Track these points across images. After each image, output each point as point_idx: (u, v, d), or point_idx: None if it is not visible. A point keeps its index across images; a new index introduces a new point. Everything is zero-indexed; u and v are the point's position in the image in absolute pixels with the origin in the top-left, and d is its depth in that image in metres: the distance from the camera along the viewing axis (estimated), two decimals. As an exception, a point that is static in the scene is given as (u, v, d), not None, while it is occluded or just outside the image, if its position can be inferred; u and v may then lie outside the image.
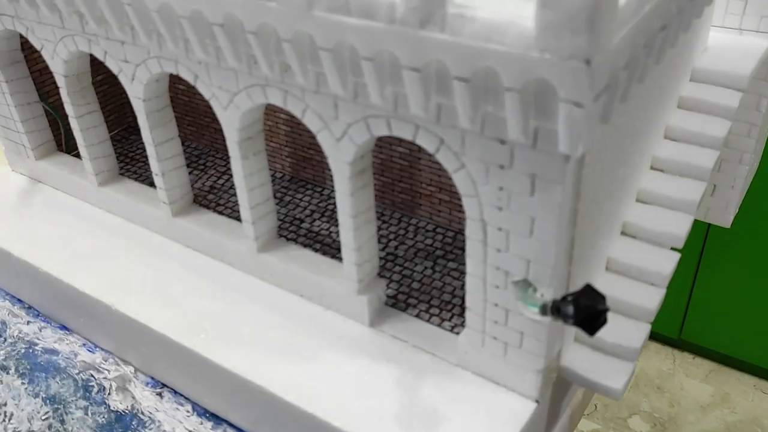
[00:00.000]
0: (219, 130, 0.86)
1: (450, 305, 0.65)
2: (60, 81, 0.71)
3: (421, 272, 0.69)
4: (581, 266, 0.53)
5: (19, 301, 0.79)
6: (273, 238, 0.68)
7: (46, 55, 0.70)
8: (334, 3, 0.43)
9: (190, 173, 0.83)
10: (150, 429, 0.65)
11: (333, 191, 0.56)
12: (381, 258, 0.71)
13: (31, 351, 0.73)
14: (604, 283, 0.60)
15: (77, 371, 0.70)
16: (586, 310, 0.29)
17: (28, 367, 0.71)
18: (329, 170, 0.56)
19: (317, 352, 0.60)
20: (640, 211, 0.64)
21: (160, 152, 0.69)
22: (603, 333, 0.47)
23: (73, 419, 0.66)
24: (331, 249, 0.72)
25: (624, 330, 0.56)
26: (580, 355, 0.56)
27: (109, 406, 0.67)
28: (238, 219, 0.68)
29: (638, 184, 0.65)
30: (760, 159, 0.91)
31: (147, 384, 0.68)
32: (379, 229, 0.75)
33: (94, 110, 0.75)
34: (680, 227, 0.62)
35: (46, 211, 0.80)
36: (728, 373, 1.77)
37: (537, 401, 0.55)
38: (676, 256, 0.61)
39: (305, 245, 0.72)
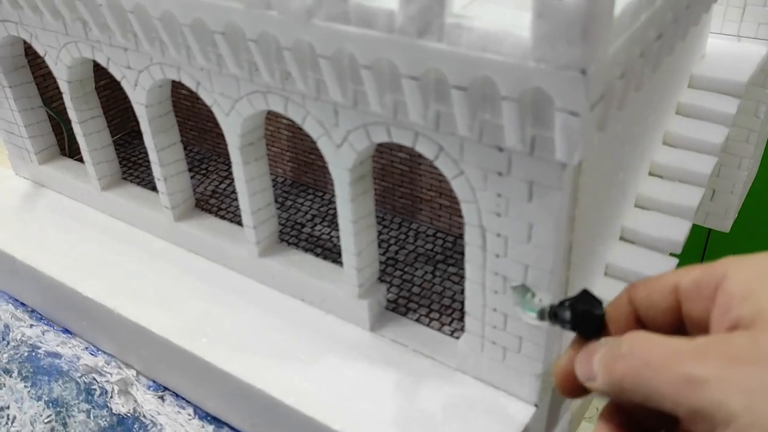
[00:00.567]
0: (220, 135, 0.86)
1: (450, 310, 0.65)
2: (63, 87, 0.72)
3: (422, 277, 0.70)
4: (580, 271, 0.54)
5: (22, 304, 0.79)
6: (274, 242, 0.68)
7: (49, 61, 0.71)
8: (334, 12, 0.44)
9: (191, 178, 0.84)
10: (152, 432, 0.65)
11: (334, 196, 0.56)
12: (381, 262, 0.71)
13: (33, 354, 0.73)
14: (602, 288, 0.60)
15: (80, 374, 0.71)
16: (582, 315, 0.29)
17: (31, 370, 0.72)
18: (330, 175, 0.57)
19: (317, 355, 0.61)
20: (639, 217, 0.64)
21: (162, 157, 0.69)
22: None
23: (75, 422, 0.67)
24: (332, 253, 0.73)
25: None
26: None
27: (111, 410, 0.67)
28: (240, 223, 0.68)
29: (637, 189, 0.65)
30: (759, 164, 0.92)
31: (149, 387, 0.69)
32: (380, 233, 0.75)
33: (97, 115, 0.75)
34: (679, 233, 0.62)
35: (49, 215, 0.80)
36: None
37: (536, 405, 0.55)
38: (674, 261, 0.62)
39: (306, 250, 0.72)
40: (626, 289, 0.27)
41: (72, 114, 0.74)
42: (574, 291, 0.53)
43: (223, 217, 0.77)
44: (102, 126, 0.76)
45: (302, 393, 0.58)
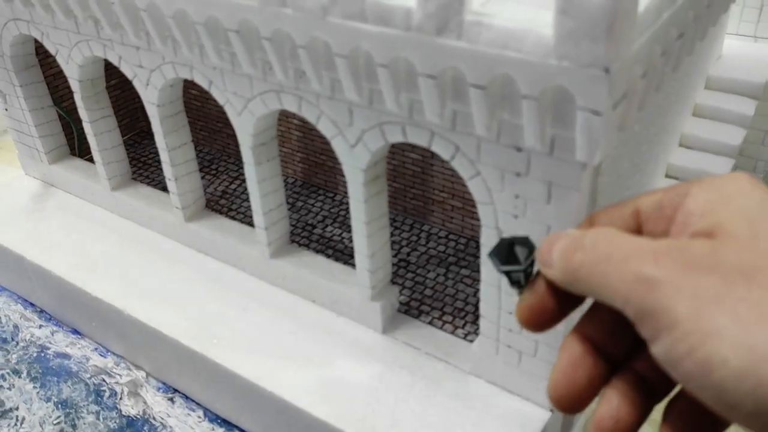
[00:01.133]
0: (231, 135, 0.86)
1: (463, 312, 0.65)
2: (74, 86, 0.71)
3: (434, 279, 0.69)
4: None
5: (32, 304, 0.79)
6: (285, 243, 0.68)
7: (60, 60, 0.70)
8: (350, 9, 0.43)
9: (202, 178, 0.83)
10: (161, 434, 0.65)
11: (345, 197, 0.56)
12: (393, 264, 0.70)
13: (43, 355, 0.73)
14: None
15: (89, 376, 0.70)
16: (500, 242, 0.27)
17: (40, 371, 0.71)
18: (342, 176, 0.56)
19: (329, 358, 0.60)
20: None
21: (173, 157, 0.69)
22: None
23: (84, 424, 0.66)
24: (343, 255, 0.72)
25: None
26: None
27: (120, 411, 0.67)
28: (250, 224, 0.68)
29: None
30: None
31: (158, 389, 0.68)
32: (392, 235, 0.75)
33: (108, 115, 0.75)
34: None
35: (59, 215, 0.80)
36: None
37: (551, 410, 0.54)
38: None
39: (317, 251, 0.72)
40: (587, 218, 0.27)
41: (83, 113, 0.73)
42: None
43: (233, 218, 0.77)
44: (113, 125, 0.75)
45: (313, 395, 0.57)
